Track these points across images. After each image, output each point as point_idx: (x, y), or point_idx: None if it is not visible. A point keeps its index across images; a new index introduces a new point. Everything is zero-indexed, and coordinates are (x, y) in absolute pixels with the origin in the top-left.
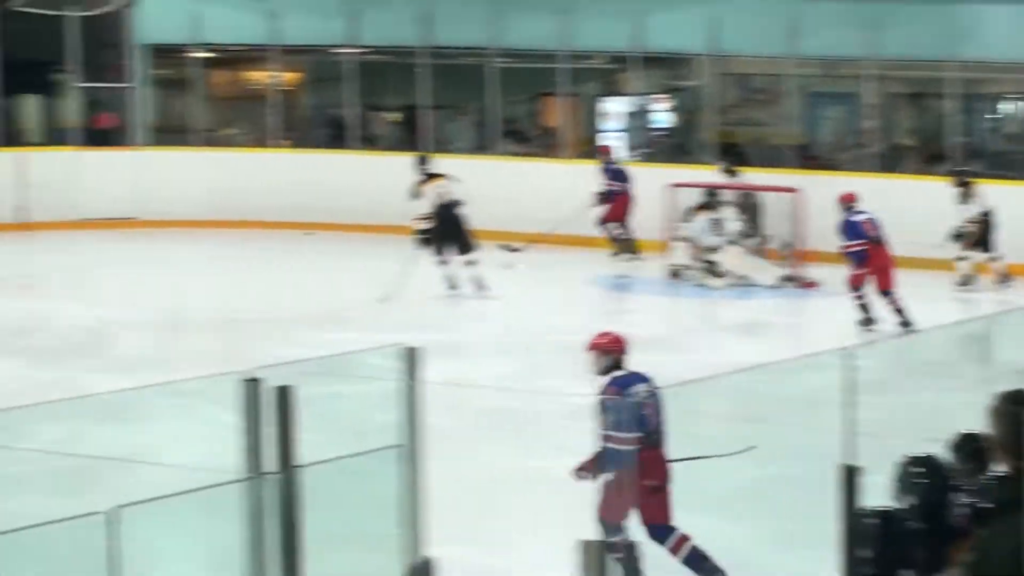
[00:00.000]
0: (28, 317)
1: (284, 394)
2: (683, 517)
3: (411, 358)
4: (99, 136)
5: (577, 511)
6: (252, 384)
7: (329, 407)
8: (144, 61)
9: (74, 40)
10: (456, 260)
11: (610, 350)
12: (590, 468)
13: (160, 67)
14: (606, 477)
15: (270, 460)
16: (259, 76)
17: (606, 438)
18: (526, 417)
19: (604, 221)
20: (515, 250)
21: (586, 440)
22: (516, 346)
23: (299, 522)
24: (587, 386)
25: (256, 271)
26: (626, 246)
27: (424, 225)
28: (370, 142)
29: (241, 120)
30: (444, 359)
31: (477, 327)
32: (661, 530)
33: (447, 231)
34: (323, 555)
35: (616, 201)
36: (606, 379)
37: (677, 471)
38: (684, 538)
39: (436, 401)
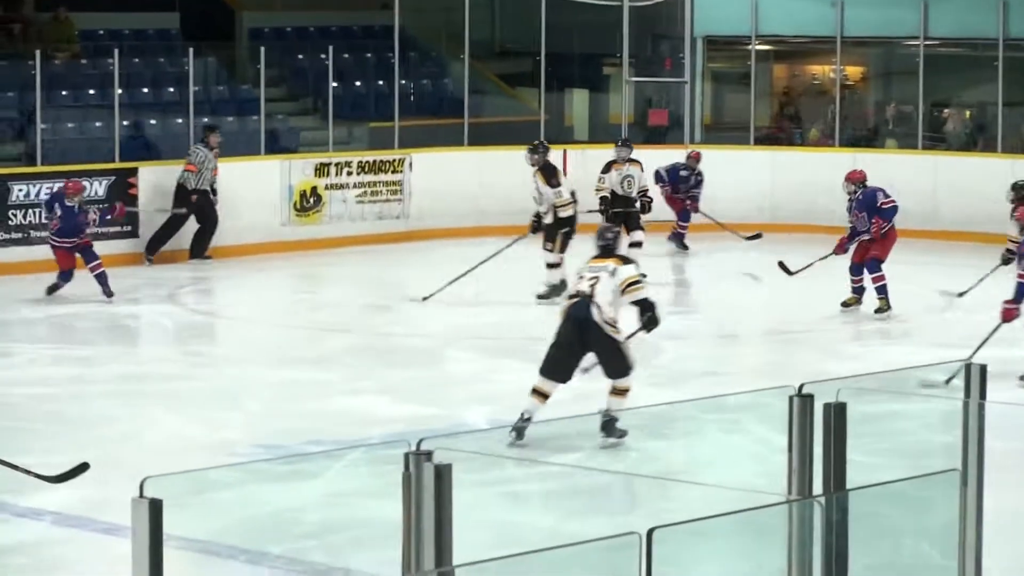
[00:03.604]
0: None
1: (837, 411)
2: None
3: (977, 376)
4: (649, 133)
5: None
6: (804, 400)
7: (883, 427)
8: (700, 54)
9: (627, 32)
10: None
11: None
12: None
13: (715, 60)
14: None
15: (817, 482)
16: (821, 70)
17: None
18: None
19: None
20: None
21: None
22: None
23: (846, 549)
24: None
25: (814, 278)
26: None
27: None
28: (942, 141)
29: (803, 117)
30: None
31: None
32: None
33: None
34: None
35: None
36: None
37: None
38: None
39: (1001, 423)
